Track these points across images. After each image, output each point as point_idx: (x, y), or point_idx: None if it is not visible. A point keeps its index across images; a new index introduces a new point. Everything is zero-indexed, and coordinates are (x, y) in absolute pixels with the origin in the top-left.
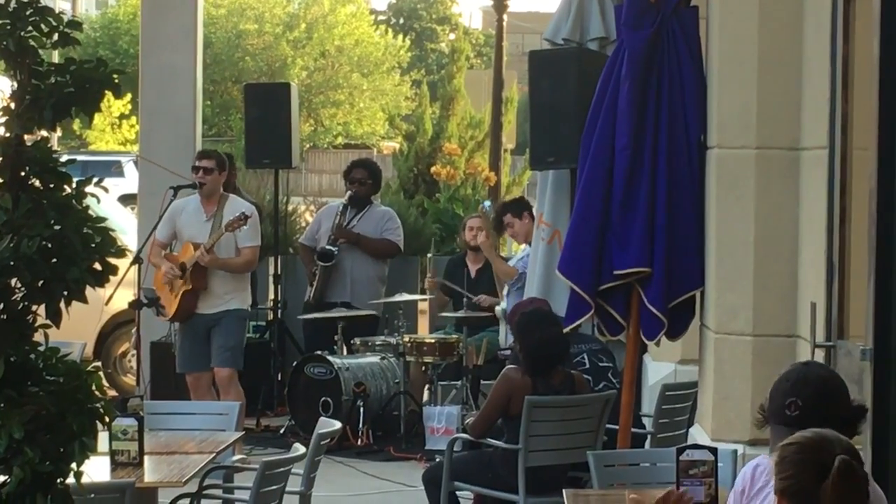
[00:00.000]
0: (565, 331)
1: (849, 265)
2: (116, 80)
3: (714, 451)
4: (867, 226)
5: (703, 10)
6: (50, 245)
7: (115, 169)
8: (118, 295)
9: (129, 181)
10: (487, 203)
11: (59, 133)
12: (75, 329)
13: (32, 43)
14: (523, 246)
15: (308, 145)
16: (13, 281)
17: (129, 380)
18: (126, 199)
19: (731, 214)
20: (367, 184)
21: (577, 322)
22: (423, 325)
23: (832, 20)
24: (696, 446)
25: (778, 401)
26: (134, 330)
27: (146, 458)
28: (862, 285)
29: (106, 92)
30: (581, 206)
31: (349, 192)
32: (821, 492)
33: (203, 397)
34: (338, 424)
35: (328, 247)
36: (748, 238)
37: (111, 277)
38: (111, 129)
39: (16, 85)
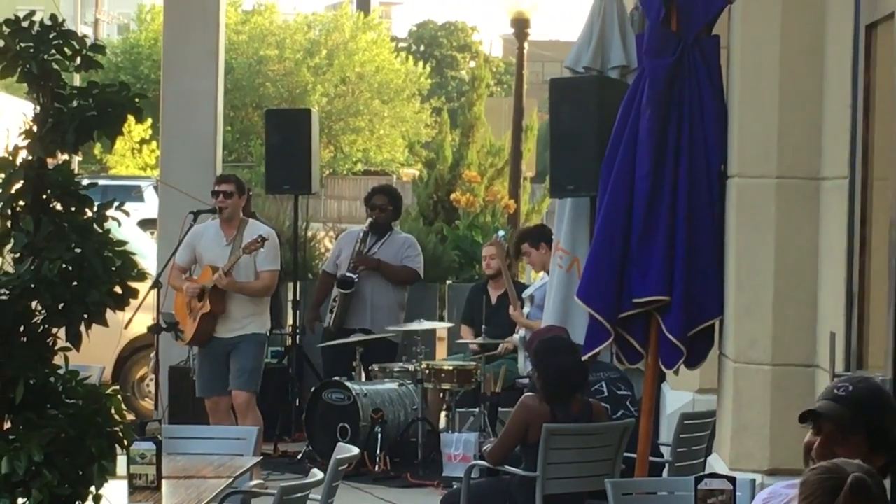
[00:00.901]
0: (584, 358)
1: (869, 295)
2: (138, 104)
3: (732, 480)
4: (887, 256)
5: (725, 40)
6: (71, 268)
7: (134, 193)
8: (137, 319)
9: (149, 206)
10: (501, 232)
11: (79, 157)
12: (94, 353)
13: (55, 66)
14: (542, 274)
15: (328, 171)
16: (34, 303)
17: (147, 404)
18: (145, 224)
19: (751, 244)
20: (388, 210)
21: (596, 350)
22: (442, 351)
23: (853, 49)
24: (715, 475)
25: (830, 385)
26: (153, 354)
27: (164, 482)
28: (882, 315)
29: (128, 116)
30: (601, 233)
31: (370, 219)
32: None
33: (222, 421)
34: (355, 450)
35: (348, 274)
36: (768, 267)
37: (131, 301)
38: (131, 153)
39: (38, 108)
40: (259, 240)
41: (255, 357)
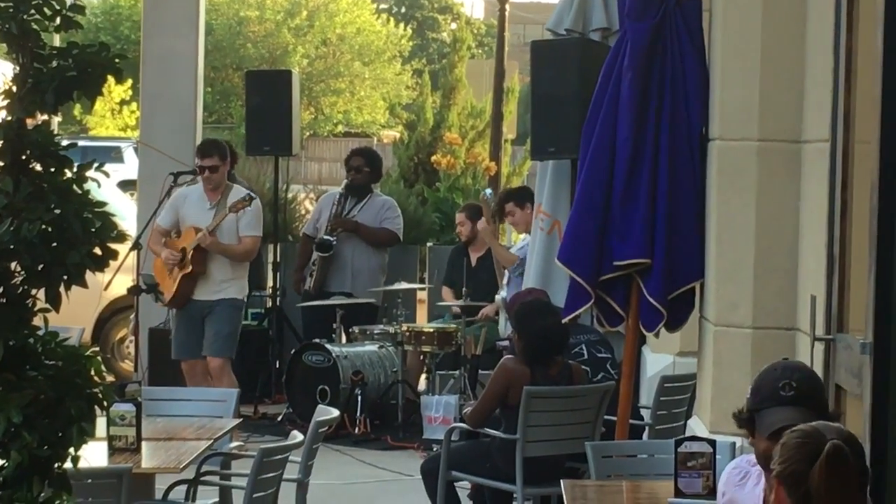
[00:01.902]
0: (564, 321)
1: (849, 258)
2: (118, 65)
3: (712, 443)
4: (868, 219)
5: (707, 2)
6: (50, 229)
7: (114, 155)
8: (117, 281)
9: (129, 167)
10: (489, 191)
11: (59, 118)
12: (74, 314)
13: (35, 26)
14: (523, 235)
15: (308, 133)
16: (13, 265)
17: (127, 366)
18: (125, 185)
19: (732, 207)
20: (365, 171)
21: (577, 312)
22: (422, 314)
23: (835, 12)
24: (695, 438)
25: (770, 385)
26: (132, 316)
27: (144, 443)
28: (862, 279)
29: (108, 76)
30: (582, 196)
31: (345, 180)
32: (811, 475)
33: (198, 384)
34: (336, 412)
35: (326, 237)
36: (749, 230)
37: (111, 263)
38: (111, 114)
39: (18, 68)
40: (247, 198)
41: (232, 322)
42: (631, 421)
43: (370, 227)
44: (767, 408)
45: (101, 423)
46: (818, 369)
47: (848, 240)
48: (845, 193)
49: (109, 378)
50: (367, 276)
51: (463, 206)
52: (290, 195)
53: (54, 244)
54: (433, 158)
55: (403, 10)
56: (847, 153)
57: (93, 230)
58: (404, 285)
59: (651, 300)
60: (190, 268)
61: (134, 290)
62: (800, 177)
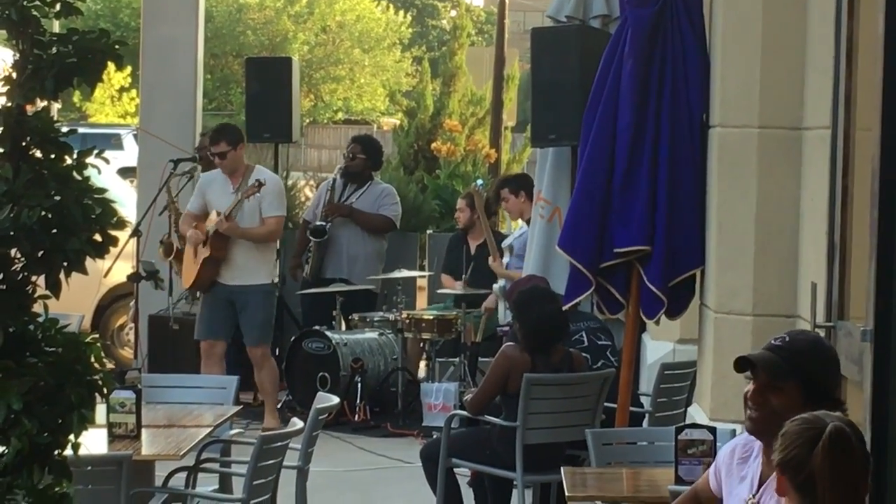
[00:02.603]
0: (564, 308)
1: (850, 246)
2: (118, 51)
3: (713, 430)
4: (869, 206)
5: None
6: (50, 215)
7: (114, 141)
8: (117, 268)
9: (129, 154)
10: (480, 182)
11: (59, 105)
12: (73, 301)
13: (35, 13)
14: (520, 223)
15: (308, 120)
16: (13, 251)
17: (127, 353)
18: (125, 172)
19: (733, 194)
20: (360, 158)
21: (577, 299)
22: (422, 301)
23: None
24: (695, 426)
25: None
26: (132, 303)
27: (143, 430)
28: (863, 266)
29: (108, 63)
30: (583, 183)
31: (338, 166)
32: (812, 459)
33: (213, 367)
34: (336, 399)
35: (319, 222)
36: (749, 218)
37: (111, 249)
38: (111, 101)
39: (18, 55)
40: (256, 184)
41: (264, 309)
42: (631, 408)
43: (365, 212)
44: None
45: (100, 411)
46: None
47: (849, 227)
48: (846, 180)
49: (109, 365)
50: (363, 262)
51: (465, 192)
52: (289, 182)
53: (54, 231)
54: (433, 146)
55: None
56: (848, 140)
57: (93, 217)
58: (404, 273)
59: (651, 287)
60: (209, 251)
61: (134, 278)
62: (800, 164)
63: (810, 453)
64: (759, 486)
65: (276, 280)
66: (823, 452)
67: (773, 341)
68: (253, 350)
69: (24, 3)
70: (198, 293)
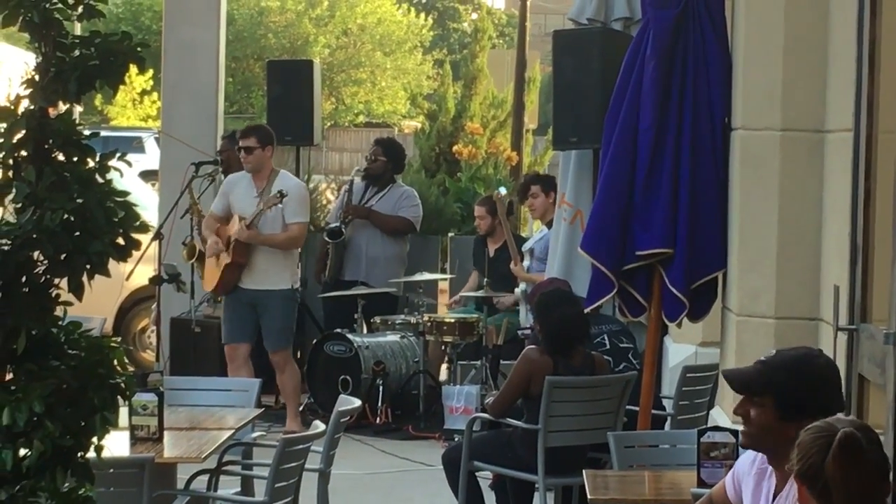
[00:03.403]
0: (587, 311)
1: (872, 248)
2: (141, 54)
3: (735, 433)
4: (891, 209)
5: None
6: (73, 218)
7: (135, 144)
8: (138, 271)
9: (150, 157)
10: (503, 188)
11: (80, 108)
12: (95, 304)
13: (57, 15)
14: (541, 226)
15: (329, 123)
16: (35, 254)
17: (149, 355)
18: (147, 175)
19: (755, 196)
20: (380, 161)
21: (600, 302)
22: (444, 303)
23: (859, 0)
24: (718, 428)
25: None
26: (154, 306)
27: (165, 433)
28: (885, 268)
29: (130, 65)
30: (605, 186)
31: (357, 167)
32: (825, 466)
33: (239, 369)
34: (357, 402)
35: (335, 224)
36: (771, 220)
37: (133, 252)
38: (132, 104)
39: (40, 57)
40: (278, 195)
41: (284, 315)
42: (653, 411)
43: (383, 214)
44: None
45: (123, 413)
46: (841, 359)
47: (871, 229)
48: (868, 183)
49: (131, 368)
50: (383, 265)
51: (481, 198)
52: (311, 185)
53: (77, 233)
54: (455, 148)
55: (424, 0)
56: (870, 142)
57: (115, 220)
58: (426, 275)
59: (673, 290)
60: (230, 258)
61: (156, 280)
62: (823, 166)
63: (823, 461)
64: (773, 498)
65: (298, 285)
66: (834, 459)
67: (763, 357)
68: (274, 355)
69: (47, 5)
70: (219, 297)
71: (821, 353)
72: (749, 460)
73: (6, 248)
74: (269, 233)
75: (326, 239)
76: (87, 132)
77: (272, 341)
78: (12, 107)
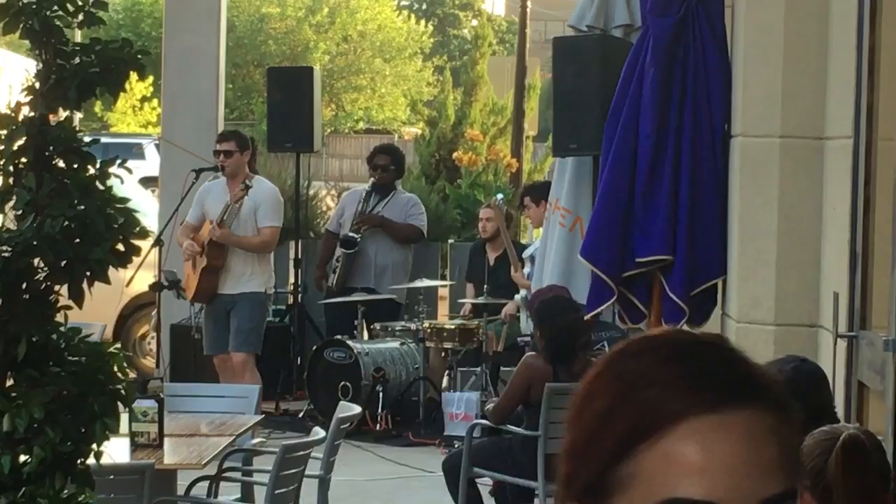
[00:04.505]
0: (587, 318)
1: (872, 255)
2: (141, 61)
3: None
4: (891, 216)
5: None
6: (73, 225)
7: (135, 151)
8: (138, 277)
9: (150, 164)
10: (500, 196)
11: (80, 114)
12: (95, 311)
13: (58, 23)
14: (542, 233)
15: (329, 130)
16: (36, 261)
17: (149, 362)
18: (147, 182)
19: (754, 203)
20: (391, 170)
21: (600, 308)
22: (444, 310)
23: (858, 8)
24: None
25: None
26: (154, 312)
27: (166, 440)
28: (885, 275)
29: (130, 72)
30: (605, 192)
31: (372, 179)
32: (828, 467)
33: (230, 379)
34: (358, 409)
35: (351, 234)
36: (771, 227)
37: (133, 259)
38: (132, 111)
39: (41, 65)
40: (242, 187)
41: (253, 317)
42: None
43: (396, 222)
44: None
45: (123, 420)
46: (840, 366)
47: (871, 236)
48: (868, 190)
49: (131, 375)
50: (391, 272)
51: (487, 203)
52: (311, 192)
53: (77, 240)
54: (455, 155)
55: (424, 6)
56: (870, 150)
57: (115, 226)
58: (426, 282)
59: (673, 297)
60: (206, 261)
61: (156, 287)
62: (822, 173)
63: (826, 462)
64: None
65: (271, 290)
66: (837, 460)
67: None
68: (235, 355)
69: (48, 12)
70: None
71: (794, 361)
72: None
73: (7, 254)
74: (241, 235)
75: (341, 248)
76: (87, 139)
77: (237, 342)
78: (13, 114)
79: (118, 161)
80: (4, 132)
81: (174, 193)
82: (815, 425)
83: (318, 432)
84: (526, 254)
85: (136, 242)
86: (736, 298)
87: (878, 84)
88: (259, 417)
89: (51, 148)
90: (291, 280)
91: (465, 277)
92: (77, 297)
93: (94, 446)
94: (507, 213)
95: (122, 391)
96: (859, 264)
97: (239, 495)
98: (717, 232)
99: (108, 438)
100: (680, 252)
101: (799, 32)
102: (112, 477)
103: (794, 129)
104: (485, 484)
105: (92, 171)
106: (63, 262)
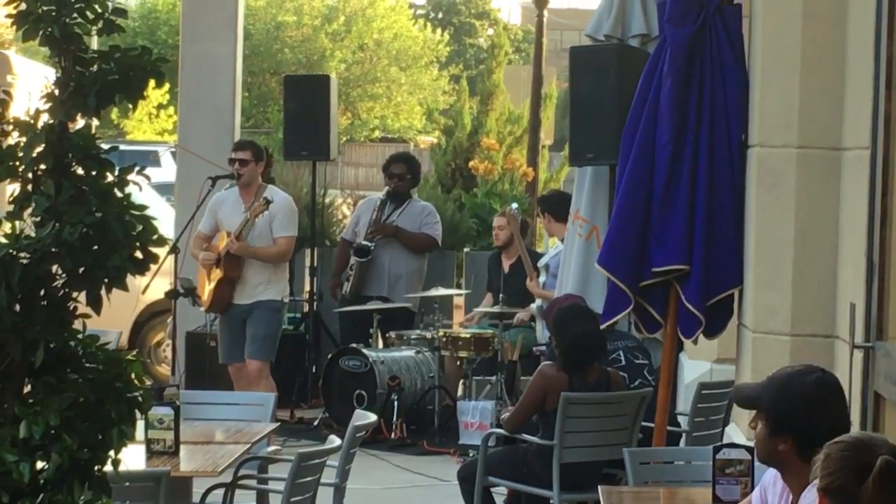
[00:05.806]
0: (603, 327)
1: (889, 266)
2: (160, 68)
3: (751, 450)
4: None
5: (747, 9)
6: (91, 232)
7: (152, 158)
8: (154, 284)
9: (166, 171)
10: (515, 205)
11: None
12: (111, 318)
13: (77, 30)
14: (556, 242)
15: (345, 138)
16: (54, 267)
17: (164, 369)
18: (163, 189)
19: (771, 213)
20: (407, 179)
21: (616, 318)
22: (459, 319)
23: (876, 18)
24: (733, 445)
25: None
26: (170, 319)
27: (181, 447)
28: None
29: (149, 80)
30: (622, 202)
31: (387, 188)
32: (861, 492)
33: (245, 387)
34: (373, 417)
35: (365, 242)
36: (787, 237)
37: (150, 266)
38: (149, 118)
39: (60, 72)
40: (263, 202)
41: (269, 324)
42: (668, 428)
43: (410, 232)
44: None
45: (139, 427)
46: (857, 377)
47: (888, 247)
48: (885, 200)
49: (147, 382)
50: (404, 281)
51: (501, 211)
52: (327, 200)
53: (95, 247)
54: (470, 164)
55: (440, 15)
56: (887, 160)
57: (133, 233)
58: (441, 291)
59: (689, 307)
60: (222, 273)
61: (172, 294)
62: (839, 184)
63: (859, 486)
64: None
65: (287, 299)
66: (875, 487)
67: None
68: (251, 363)
69: (67, 20)
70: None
71: (816, 371)
72: (773, 472)
73: (26, 261)
74: (258, 245)
75: (354, 257)
76: (105, 146)
77: (252, 349)
78: (32, 121)
79: (136, 168)
80: (24, 139)
81: (190, 200)
82: (833, 436)
83: (334, 440)
84: (541, 262)
85: (154, 250)
86: (752, 308)
87: (895, 94)
88: (274, 425)
89: (70, 155)
90: (307, 288)
91: (485, 287)
92: (95, 304)
93: (111, 453)
94: (522, 222)
95: (139, 398)
96: (876, 275)
97: (254, 503)
98: (734, 242)
99: (125, 445)
100: (696, 262)
101: (816, 43)
102: (128, 484)
103: (812, 139)
104: (500, 493)
105: (110, 178)
106: (81, 269)
